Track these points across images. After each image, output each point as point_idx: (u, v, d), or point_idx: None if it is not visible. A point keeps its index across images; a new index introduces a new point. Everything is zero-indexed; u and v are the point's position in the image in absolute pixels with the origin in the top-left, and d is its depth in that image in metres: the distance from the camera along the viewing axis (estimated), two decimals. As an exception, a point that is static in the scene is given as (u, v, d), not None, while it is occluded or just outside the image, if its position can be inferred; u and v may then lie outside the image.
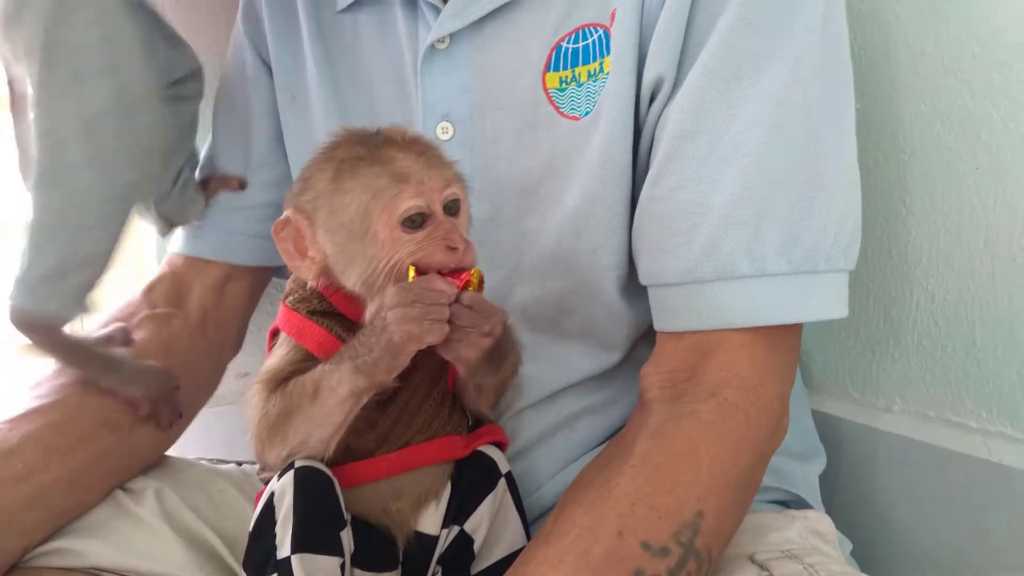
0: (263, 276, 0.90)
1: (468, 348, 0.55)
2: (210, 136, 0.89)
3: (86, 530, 0.66)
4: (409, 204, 0.53)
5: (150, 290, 0.84)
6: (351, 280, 0.56)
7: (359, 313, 0.57)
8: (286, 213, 0.56)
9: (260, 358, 0.98)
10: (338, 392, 0.53)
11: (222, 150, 0.85)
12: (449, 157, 0.58)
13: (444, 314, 0.51)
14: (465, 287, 0.54)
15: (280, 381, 0.56)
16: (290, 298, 0.59)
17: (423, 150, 0.56)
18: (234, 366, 0.99)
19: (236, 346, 0.90)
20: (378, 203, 0.52)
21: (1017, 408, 0.73)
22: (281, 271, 0.93)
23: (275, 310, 1.00)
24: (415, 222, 0.53)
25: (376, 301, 0.54)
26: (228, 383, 0.98)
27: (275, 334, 0.60)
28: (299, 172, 0.58)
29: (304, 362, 0.56)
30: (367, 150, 0.54)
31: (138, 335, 0.77)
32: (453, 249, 0.53)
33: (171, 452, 0.94)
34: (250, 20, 0.85)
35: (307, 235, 0.55)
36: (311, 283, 0.58)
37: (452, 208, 0.56)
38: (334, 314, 0.57)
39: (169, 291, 0.84)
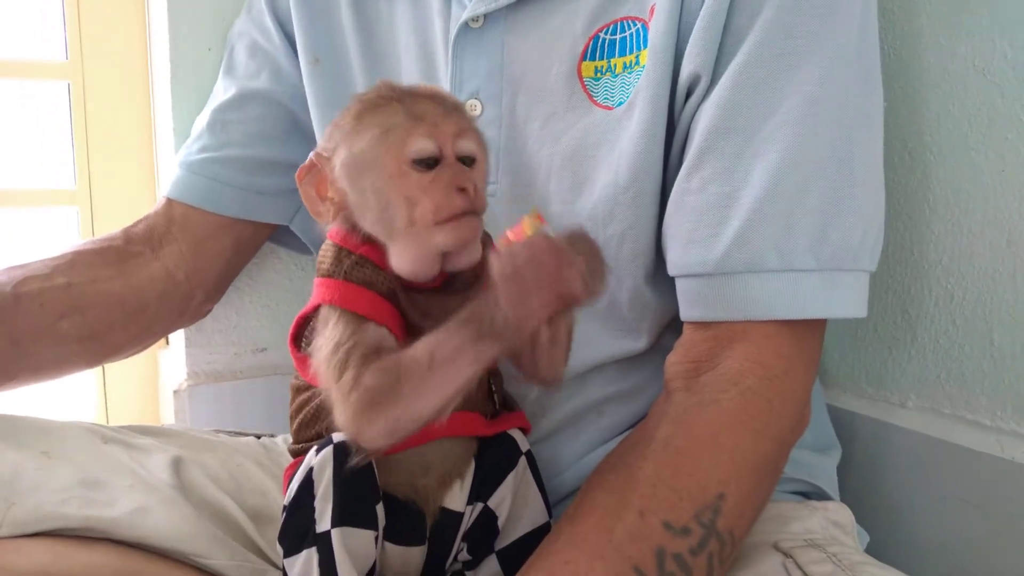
0: (253, 233, 0.90)
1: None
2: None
3: (104, 502, 0.65)
4: (420, 143, 0.52)
5: (133, 226, 0.86)
6: (368, 221, 0.55)
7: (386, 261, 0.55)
8: (310, 157, 0.56)
9: (276, 332, 1.00)
10: (459, 361, 0.49)
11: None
12: (472, 118, 0.57)
13: (562, 277, 0.46)
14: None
15: (367, 355, 0.52)
16: (323, 266, 0.57)
17: (445, 100, 0.55)
18: (251, 340, 1.00)
19: (213, 296, 0.91)
20: (390, 137, 0.52)
21: (1031, 407, 0.74)
22: (279, 237, 0.94)
23: (294, 286, 1.01)
24: (425, 163, 0.53)
25: (405, 248, 0.53)
26: (245, 358, 0.99)
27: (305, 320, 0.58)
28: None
29: (365, 329, 0.54)
30: (394, 94, 0.55)
31: (93, 261, 0.80)
32: (463, 190, 0.52)
33: (189, 425, 0.95)
34: None
35: (327, 175, 0.55)
36: (330, 225, 0.56)
37: (467, 162, 0.55)
38: (367, 263, 0.55)
39: (147, 230, 0.85)
